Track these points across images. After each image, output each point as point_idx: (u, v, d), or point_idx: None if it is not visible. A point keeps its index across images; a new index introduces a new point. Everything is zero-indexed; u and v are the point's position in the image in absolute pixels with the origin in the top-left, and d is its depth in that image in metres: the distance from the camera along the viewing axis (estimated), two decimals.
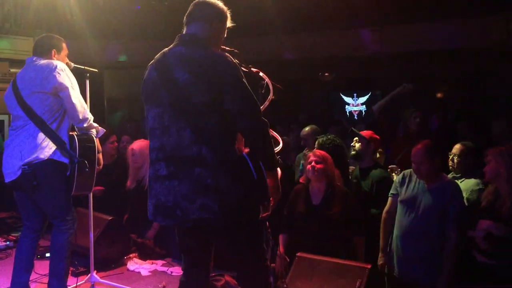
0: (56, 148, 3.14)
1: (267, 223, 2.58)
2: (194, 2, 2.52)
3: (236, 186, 2.24)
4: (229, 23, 2.55)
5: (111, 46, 8.52)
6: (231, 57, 2.34)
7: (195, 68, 2.28)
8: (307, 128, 5.11)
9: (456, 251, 3.29)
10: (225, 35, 2.57)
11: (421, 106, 5.52)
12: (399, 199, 3.55)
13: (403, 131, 5.57)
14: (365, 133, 4.30)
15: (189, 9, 2.51)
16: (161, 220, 2.38)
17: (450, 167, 3.89)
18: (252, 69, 2.66)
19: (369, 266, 3.21)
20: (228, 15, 2.53)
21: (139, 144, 4.52)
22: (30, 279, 3.37)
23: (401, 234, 3.50)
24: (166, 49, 2.45)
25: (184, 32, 2.48)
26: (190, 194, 2.23)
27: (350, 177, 4.33)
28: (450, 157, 3.87)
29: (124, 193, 4.97)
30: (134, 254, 4.16)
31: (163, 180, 2.31)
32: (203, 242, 2.52)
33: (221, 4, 2.52)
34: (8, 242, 4.44)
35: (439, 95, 9.96)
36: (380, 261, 3.63)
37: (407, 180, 3.56)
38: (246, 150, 2.35)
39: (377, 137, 4.27)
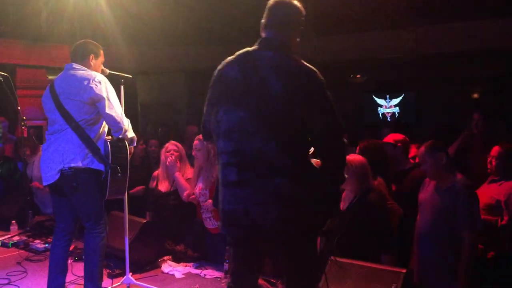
0: (92, 155, 3.17)
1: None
2: (275, 2, 2.33)
3: (314, 200, 2.21)
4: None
5: (142, 52, 8.66)
6: (319, 73, 2.24)
7: (291, 80, 2.17)
8: None
9: (472, 253, 3.14)
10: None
11: (456, 107, 5.29)
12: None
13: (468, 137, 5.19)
14: (388, 138, 4.16)
15: (270, 9, 2.33)
16: (224, 229, 2.28)
17: (489, 170, 3.77)
18: None
19: (404, 271, 3.14)
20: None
21: None
22: (68, 280, 3.44)
23: (417, 237, 3.45)
24: (250, 49, 2.30)
25: (264, 36, 2.33)
26: (266, 204, 2.16)
27: None
28: (489, 159, 3.76)
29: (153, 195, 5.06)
30: (168, 257, 4.21)
31: (231, 187, 2.22)
32: (259, 250, 2.41)
33: (301, 7, 2.34)
34: (47, 245, 4.54)
35: (474, 95, 9.71)
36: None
37: (427, 183, 3.50)
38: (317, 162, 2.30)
39: (401, 137, 4.12)
